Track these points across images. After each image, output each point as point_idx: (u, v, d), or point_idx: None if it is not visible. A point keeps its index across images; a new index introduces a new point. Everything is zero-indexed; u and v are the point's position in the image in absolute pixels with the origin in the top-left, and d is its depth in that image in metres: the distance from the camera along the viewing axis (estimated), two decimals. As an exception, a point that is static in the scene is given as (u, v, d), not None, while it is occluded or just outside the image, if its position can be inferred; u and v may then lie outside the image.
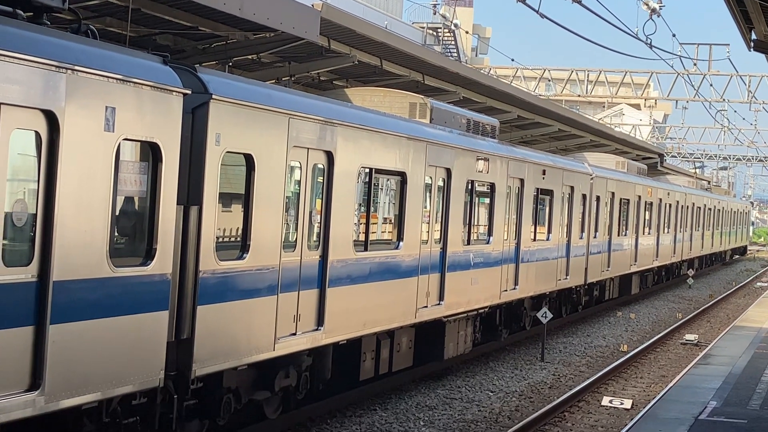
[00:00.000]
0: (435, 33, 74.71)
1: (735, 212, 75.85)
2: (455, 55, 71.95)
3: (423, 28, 75.58)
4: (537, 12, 24.43)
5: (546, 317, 25.92)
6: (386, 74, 25.57)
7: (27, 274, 10.39)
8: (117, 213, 11.60)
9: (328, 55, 22.29)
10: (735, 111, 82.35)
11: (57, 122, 10.55)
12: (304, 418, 17.38)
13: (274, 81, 22.90)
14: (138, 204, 12.06)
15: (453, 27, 70.02)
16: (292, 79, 23.24)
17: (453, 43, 73.72)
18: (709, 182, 77.51)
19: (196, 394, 13.68)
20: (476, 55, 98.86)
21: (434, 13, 70.43)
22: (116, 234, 11.64)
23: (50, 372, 10.59)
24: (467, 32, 79.15)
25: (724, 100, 59.57)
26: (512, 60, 55.77)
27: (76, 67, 10.73)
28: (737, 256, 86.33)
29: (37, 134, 10.43)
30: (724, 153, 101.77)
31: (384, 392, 20.35)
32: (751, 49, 20.41)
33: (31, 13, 11.37)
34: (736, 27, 19.34)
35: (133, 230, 12.05)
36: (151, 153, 12.07)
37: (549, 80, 62.68)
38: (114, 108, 11.29)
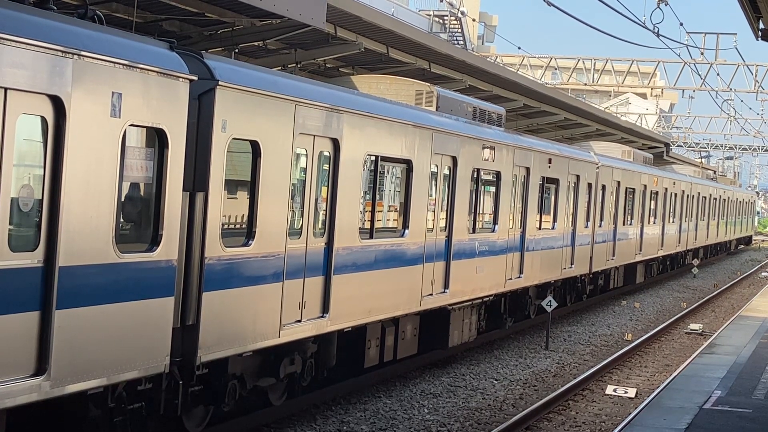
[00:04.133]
0: (441, 21, 74.51)
1: (740, 202, 75.75)
2: (461, 42, 71.74)
3: (429, 15, 75.38)
4: (544, 0, 24.39)
5: (551, 306, 25.92)
6: (392, 62, 25.55)
7: (33, 259, 10.41)
8: (123, 199, 11.61)
9: (335, 42, 22.28)
10: (742, 101, 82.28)
11: (63, 107, 10.54)
12: (308, 405, 17.41)
13: (280, 68, 22.88)
14: (144, 190, 12.06)
15: (459, 15, 69.88)
16: (299, 66, 23.22)
17: (459, 30, 73.52)
18: (714, 172, 77.46)
19: (201, 380, 13.70)
20: (482, 43, 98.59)
21: (441, 1, 70.28)
22: (122, 220, 11.64)
23: (56, 357, 10.61)
24: (474, 20, 78.91)
25: (730, 89, 59.40)
26: (519, 48, 55.84)
27: (83, 53, 10.72)
28: (742, 246, 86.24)
29: (44, 119, 10.43)
30: (730, 143, 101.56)
31: (388, 380, 20.36)
32: (759, 39, 20.31)
33: (38, -1, 11.37)
34: (743, 16, 19.25)
35: (139, 216, 12.06)
36: (157, 139, 12.07)
37: (555, 69, 62.50)
38: (120, 94, 11.29)
